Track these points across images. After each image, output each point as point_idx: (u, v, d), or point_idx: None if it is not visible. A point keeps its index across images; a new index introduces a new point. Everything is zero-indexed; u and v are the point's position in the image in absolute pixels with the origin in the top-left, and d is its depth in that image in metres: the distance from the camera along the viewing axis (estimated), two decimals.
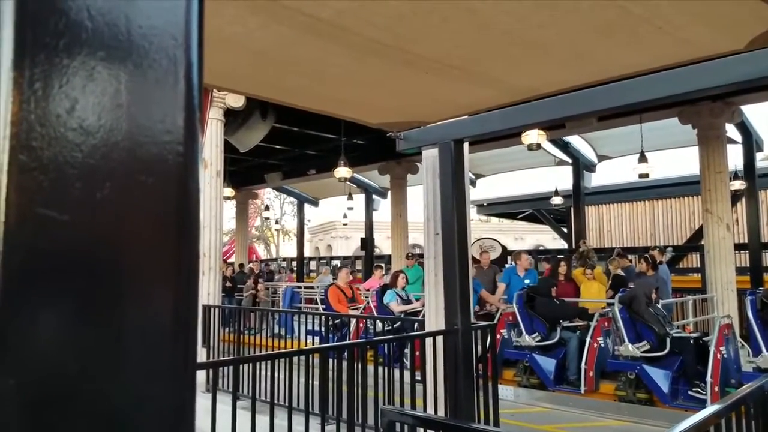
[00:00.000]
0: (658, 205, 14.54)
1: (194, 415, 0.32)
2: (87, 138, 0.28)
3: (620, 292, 5.88)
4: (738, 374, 5.09)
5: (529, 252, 8.51)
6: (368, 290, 8.17)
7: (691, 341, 5.30)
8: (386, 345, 3.91)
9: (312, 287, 11.45)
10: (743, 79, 1.86)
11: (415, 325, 5.03)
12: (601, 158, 11.67)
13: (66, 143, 0.28)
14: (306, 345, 6.29)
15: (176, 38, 0.31)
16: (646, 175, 8.98)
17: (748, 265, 8.94)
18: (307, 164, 11.99)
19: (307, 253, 24.16)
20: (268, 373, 3.11)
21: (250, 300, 10.71)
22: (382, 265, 10.59)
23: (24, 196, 0.27)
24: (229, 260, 14.89)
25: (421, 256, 6.76)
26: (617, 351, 5.66)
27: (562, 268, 7.27)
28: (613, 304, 5.79)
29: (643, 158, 8.56)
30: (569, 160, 11.62)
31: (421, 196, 4.57)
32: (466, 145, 2.83)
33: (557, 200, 12.65)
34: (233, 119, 7.18)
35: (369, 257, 13.45)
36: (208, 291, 5.83)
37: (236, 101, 6.45)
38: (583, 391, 5.56)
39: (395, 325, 6.02)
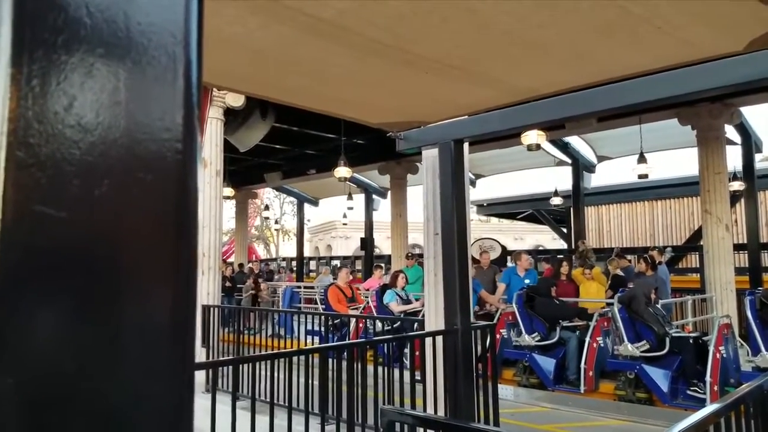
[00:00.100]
0: (657, 206, 14.55)
1: (192, 414, 0.32)
2: (85, 135, 0.28)
3: (619, 292, 5.88)
4: (737, 374, 5.09)
5: (528, 252, 8.51)
6: (368, 290, 8.17)
7: (691, 341, 5.30)
8: (386, 345, 3.90)
9: (311, 287, 11.45)
10: (742, 80, 1.86)
11: (415, 325, 5.03)
12: (601, 159, 11.68)
13: (64, 140, 0.28)
14: (306, 345, 6.29)
15: (175, 35, 0.31)
16: (646, 176, 8.98)
17: (747, 266, 8.95)
18: (306, 164, 11.99)
19: (307, 252, 24.16)
20: (268, 373, 3.11)
21: (250, 300, 10.70)
22: (382, 265, 10.59)
23: (21, 193, 0.26)
24: (229, 260, 14.89)
25: (420, 256, 6.76)
26: (617, 351, 5.67)
27: (564, 268, 7.28)
28: (612, 304, 5.79)
29: (642, 159, 8.57)
30: (569, 161, 11.62)
31: (421, 196, 4.57)
32: (466, 146, 2.83)
33: (557, 201, 12.65)
34: (233, 118, 7.18)
35: (369, 257, 13.45)
36: (208, 291, 5.82)
37: (236, 100, 6.44)
38: (582, 391, 5.56)
39: (395, 325, 6.02)
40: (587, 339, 5.74)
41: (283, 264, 17.72)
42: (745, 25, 1.65)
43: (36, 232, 0.27)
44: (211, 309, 5.79)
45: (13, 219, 0.26)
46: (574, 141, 11.02)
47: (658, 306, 5.76)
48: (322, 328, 5.96)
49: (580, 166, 11.60)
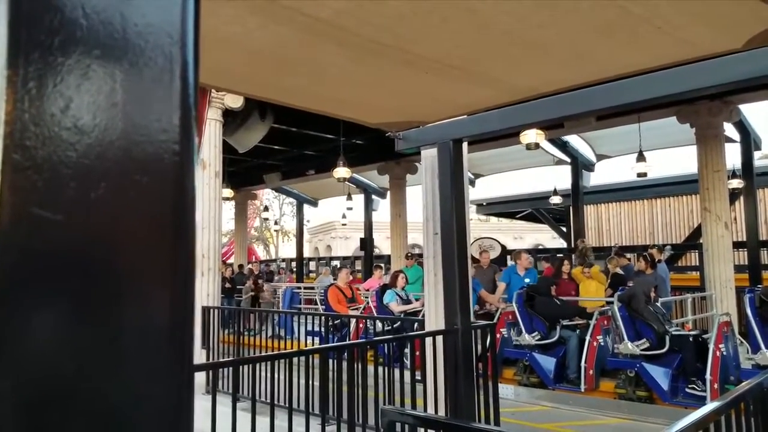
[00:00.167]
0: (656, 204, 14.56)
1: (192, 415, 0.32)
2: (82, 137, 0.28)
3: (619, 290, 5.88)
4: (737, 371, 5.10)
5: (528, 251, 8.52)
6: (368, 290, 8.17)
7: (691, 339, 5.31)
8: (386, 345, 3.90)
9: (311, 288, 11.45)
10: (741, 78, 1.86)
11: (415, 325, 5.03)
12: (600, 157, 11.69)
13: (60, 142, 0.27)
14: (306, 346, 6.29)
15: (172, 36, 0.31)
16: (645, 174, 8.99)
17: (746, 263, 8.96)
18: (306, 164, 11.99)
19: (307, 253, 24.16)
20: (268, 374, 3.10)
21: (250, 301, 10.70)
22: (382, 265, 10.60)
23: (18, 196, 0.26)
24: (229, 261, 14.88)
25: (420, 256, 6.77)
26: (617, 349, 5.67)
27: (566, 267, 7.29)
28: (612, 302, 5.79)
29: (641, 157, 8.57)
30: (568, 160, 11.63)
31: (420, 196, 4.57)
32: (464, 145, 2.83)
33: (556, 199, 12.66)
34: (232, 120, 7.17)
35: (368, 257, 13.45)
36: (208, 292, 5.82)
37: (235, 102, 6.44)
38: (583, 390, 5.56)
39: (395, 325, 6.02)
40: (587, 338, 5.74)
41: (283, 265, 17.71)
42: (744, 22, 1.65)
43: (33, 235, 0.27)
44: (211, 310, 5.79)
45: (9, 222, 0.26)
46: (573, 140, 11.02)
47: (658, 304, 5.77)
48: (323, 329, 5.95)
49: (579, 165, 11.61)
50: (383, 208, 14.07)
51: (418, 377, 3.72)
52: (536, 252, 12.92)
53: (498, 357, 5.28)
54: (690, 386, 5.03)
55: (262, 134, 8.20)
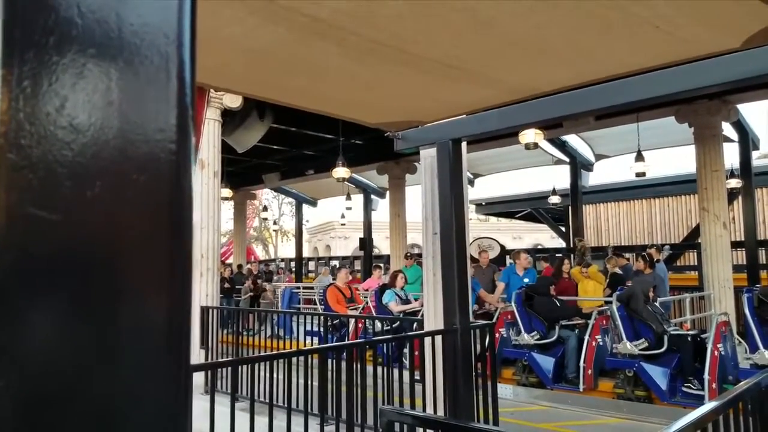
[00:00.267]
0: (655, 204, 14.58)
1: (188, 414, 0.31)
2: (77, 136, 0.28)
3: (618, 290, 5.89)
4: (735, 371, 5.11)
5: (527, 251, 8.53)
6: (367, 290, 8.17)
7: (689, 338, 5.31)
8: (385, 345, 3.90)
9: (310, 287, 11.45)
10: (740, 77, 1.86)
11: (414, 324, 5.03)
12: (599, 157, 11.70)
13: (56, 141, 0.27)
14: (305, 345, 6.28)
15: (168, 36, 0.31)
16: (643, 174, 9.00)
17: (744, 263, 8.97)
18: (305, 164, 11.98)
19: (306, 253, 24.14)
20: (267, 374, 3.10)
21: (249, 301, 10.69)
22: (381, 265, 10.60)
23: (13, 196, 0.26)
24: (227, 261, 14.87)
25: (419, 255, 6.76)
26: (615, 349, 5.67)
27: (566, 266, 7.30)
28: (611, 302, 5.80)
29: (640, 157, 8.58)
30: (567, 159, 11.64)
31: (419, 196, 4.57)
32: (464, 145, 2.83)
33: (555, 199, 12.68)
34: (230, 120, 7.17)
35: (368, 257, 13.45)
36: (207, 292, 5.81)
37: (233, 101, 6.43)
38: (581, 389, 5.57)
39: (394, 325, 6.02)
40: (586, 337, 5.74)
41: (282, 265, 17.71)
42: (742, 22, 1.65)
43: (29, 234, 0.27)
44: (210, 310, 5.78)
45: (5, 222, 0.26)
46: (572, 139, 11.03)
47: (657, 304, 5.77)
48: (321, 329, 5.95)
49: (578, 165, 11.63)
50: (382, 208, 14.07)
51: (417, 377, 3.72)
52: (535, 252, 12.93)
53: (497, 357, 5.28)
54: (688, 386, 5.04)
55: (261, 134, 8.20)
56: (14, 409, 0.26)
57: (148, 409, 0.30)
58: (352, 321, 6.56)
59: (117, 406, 0.29)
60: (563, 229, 15.39)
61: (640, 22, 1.63)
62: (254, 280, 11.10)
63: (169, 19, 0.31)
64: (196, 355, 5.42)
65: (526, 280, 6.81)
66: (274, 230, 30.79)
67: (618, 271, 7.31)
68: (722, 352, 4.95)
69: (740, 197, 9.42)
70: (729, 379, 4.91)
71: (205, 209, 5.88)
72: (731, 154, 8.87)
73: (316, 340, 6.52)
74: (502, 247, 11.25)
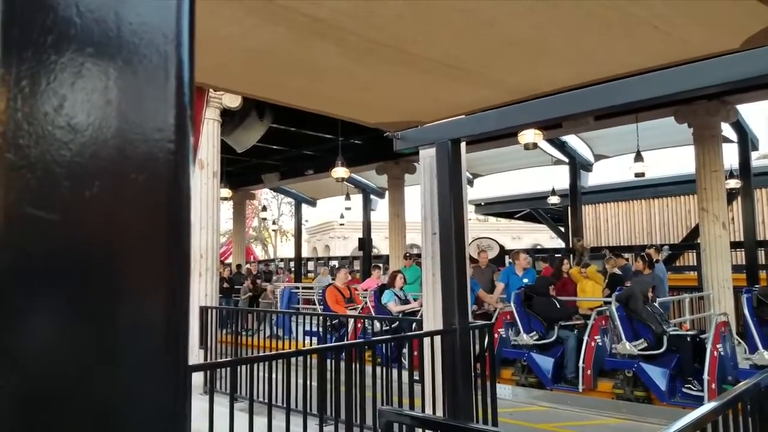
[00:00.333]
0: (654, 204, 14.59)
1: (186, 414, 0.31)
2: (75, 136, 0.28)
3: (617, 290, 5.89)
4: (735, 371, 5.11)
5: (527, 251, 8.53)
6: (366, 290, 8.17)
7: (688, 339, 5.32)
8: (384, 345, 3.90)
9: (310, 288, 11.45)
10: (739, 78, 1.86)
11: (413, 325, 5.03)
12: (598, 157, 11.71)
13: (54, 141, 0.27)
14: (304, 346, 6.28)
15: (167, 35, 0.31)
16: (642, 174, 9.01)
17: (744, 263, 8.98)
18: (304, 164, 11.98)
19: (305, 253, 24.13)
20: (266, 375, 3.10)
21: (248, 301, 10.69)
22: (380, 265, 10.59)
23: (11, 196, 0.26)
24: (227, 261, 14.86)
25: (419, 256, 6.76)
26: (615, 349, 5.68)
27: (566, 266, 7.30)
28: (610, 302, 5.80)
29: (639, 157, 8.59)
30: (566, 160, 11.65)
31: (418, 196, 4.57)
32: (463, 145, 2.83)
33: (554, 199, 12.69)
34: (230, 119, 7.16)
35: (367, 257, 13.45)
36: (206, 292, 5.81)
37: (233, 101, 6.43)
38: (581, 390, 5.57)
39: (393, 326, 6.02)
40: (585, 338, 5.75)
41: (281, 265, 17.71)
42: (741, 22, 1.65)
43: (27, 234, 0.27)
44: (209, 310, 5.78)
45: (4, 222, 0.26)
46: (571, 140, 11.04)
47: (656, 304, 5.78)
48: (321, 329, 5.95)
49: (578, 165, 11.63)
50: (382, 208, 14.08)
51: (416, 377, 3.72)
52: (534, 252, 12.94)
53: (496, 357, 5.28)
54: (688, 386, 5.04)
55: (261, 134, 8.20)
56: (12, 409, 0.26)
57: (146, 409, 0.30)
58: (351, 321, 6.56)
59: (115, 406, 0.29)
60: (562, 229, 15.40)
61: (638, 22, 1.63)
62: (253, 280, 11.09)
63: (167, 19, 0.31)
64: (195, 355, 5.42)
65: (525, 280, 6.81)
66: (273, 230, 30.77)
67: (617, 271, 7.32)
68: (721, 353, 4.96)
69: (739, 197, 9.43)
70: (728, 380, 4.91)
71: (205, 209, 5.87)
72: (730, 155, 8.89)
73: (315, 340, 6.52)
74: (501, 247, 11.25)
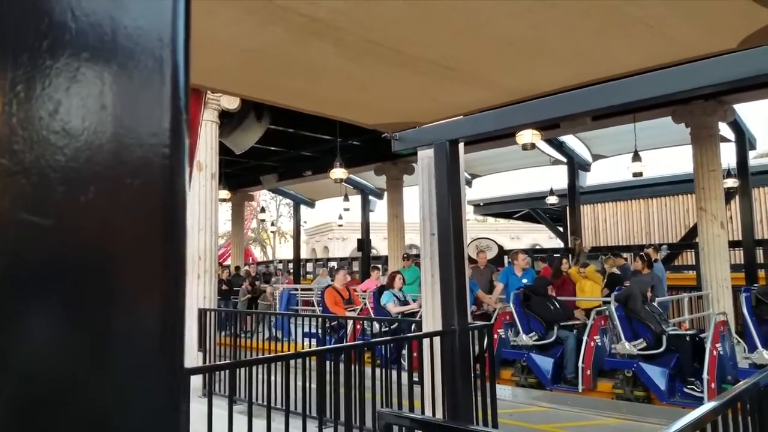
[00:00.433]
0: (652, 204, 14.62)
1: (181, 417, 0.31)
2: (70, 141, 0.28)
3: (616, 290, 5.90)
4: (734, 371, 5.12)
5: (525, 251, 8.53)
6: (365, 291, 8.17)
7: (687, 338, 5.32)
8: (383, 346, 3.90)
9: (309, 289, 11.44)
10: (736, 77, 1.87)
11: (413, 326, 5.03)
12: (596, 157, 11.74)
13: (49, 146, 0.27)
14: (303, 347, 6.28)
15: (162, 39, 0.31)
16: (640, 174, 9.03)
17: (742, 262, 9.00)
18: (302, 165, 11.98)
19: (304, 254, 24.12)
20: (265, 377, 3.09)
21: (246, 303, 10.67)
22: (379, 266, 10.59)
23: (5, 201, 0.26)
24: (225, 263, 14.84)
25: (417, 256, 6.77)
26: (614, 349, 5.68)
27: (565, 266, 7.31)
28: (609, 302, 5.81)
29: (637, 157, 8.61)
30: (564, 160, 11.67)
31: (417, 197, 4.57)
32: (461, 146, 2.84)
33: (553, 200, 12.71)
34: (228, 121, 7.16)
35: (366, 258, 13.44)
36: (204, 294, 5.80)
37: (231, 103, 6.43)
38: (580, 390, 5.57)
39: (392, 327, 6.02)
40: (585, 338, 5.75)
41: (280, 266, 17.69)
42: (738, 22, 1.66)
43: (22, 240, 0.27)
44: (208, 312, 5.77)
45: None
46: (569, 140, 11.06)
47: (655, 304, 5.78)
48: (320, 331, 5.94)
49: (576, 165, 11.65)
50: (380, 209, 14.10)
51: (416, 379, 3.72)
52: (533, 252, 12.95)
53: (495, 358, 5.28)
54: (687, 386, 5.05)
55: (259, 135, 8.20)
56: (7, 414, 0.26)
57: (141, 412, 0.30)
58: (350, 322, 6.56)
59: (110, 410, 0.29)
60: (561, 229, 15.41)
61: (634, 22, 1.64)
62: (252, 282, 11.08)
63: (163, 23, 0.31)
64: (194, 358, 5.41)
65: (524, 280, 6.81)
66: (271, 231, 30.75)
67: (616, 271, 7.33)
68: (721, 352, 4.96)
69: (737, 197, 9.45)
70: (728, 379, 4.92)
71: (203, 211, 5.87)
72: (728, 154, 8.91)
73: (314, 341, 6.51)
74: (500, 247, 11.26)
